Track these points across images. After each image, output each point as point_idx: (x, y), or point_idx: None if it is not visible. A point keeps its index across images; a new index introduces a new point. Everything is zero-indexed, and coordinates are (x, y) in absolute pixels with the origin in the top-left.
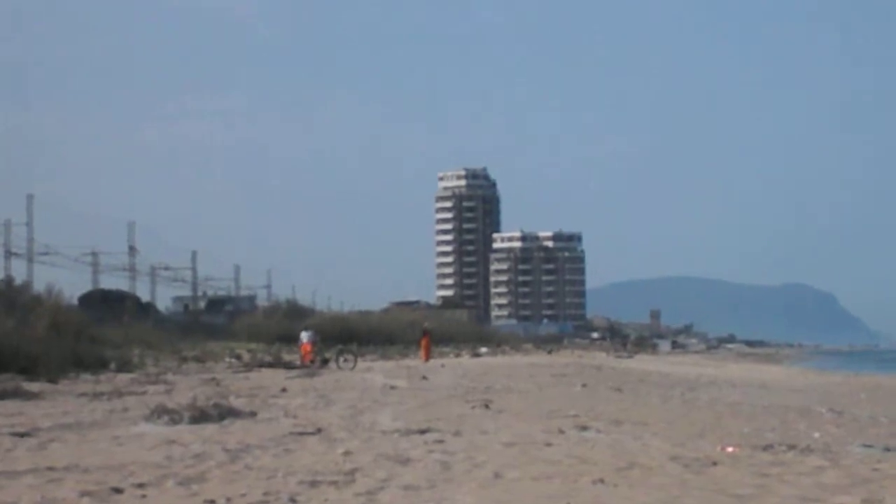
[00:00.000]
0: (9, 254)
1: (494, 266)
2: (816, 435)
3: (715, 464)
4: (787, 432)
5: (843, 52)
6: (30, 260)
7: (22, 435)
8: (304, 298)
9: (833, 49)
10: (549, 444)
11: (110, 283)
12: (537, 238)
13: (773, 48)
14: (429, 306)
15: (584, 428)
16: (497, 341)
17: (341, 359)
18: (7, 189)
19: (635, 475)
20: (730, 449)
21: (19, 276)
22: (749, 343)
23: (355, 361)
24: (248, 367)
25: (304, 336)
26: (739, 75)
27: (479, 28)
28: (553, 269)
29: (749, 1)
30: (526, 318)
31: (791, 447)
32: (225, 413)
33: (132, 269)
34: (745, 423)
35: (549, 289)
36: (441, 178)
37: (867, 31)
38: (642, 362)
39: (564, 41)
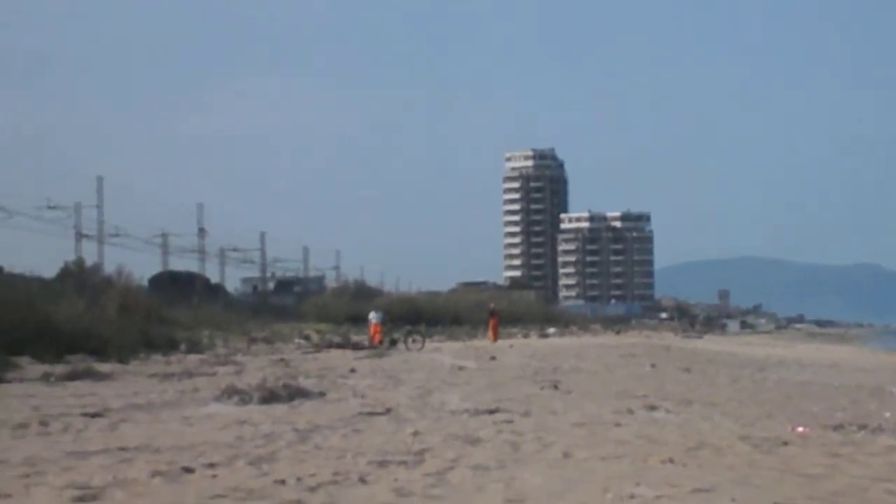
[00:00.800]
0: (80, 235)
1: (562, 246)
2: (887, 415)
3: (785, 444)
4: (857, 412)
5: None
6: (100, 242)
7: (93, 415)
8: (372, 279)
9: None
10: (618, 425)
11: (180, 264)
12: (605, 218)
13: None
14: (496, 287)
15: (653, 408)
16: (565, 322)
17: (409, 339)
18: (78, 172)
19: (705, 455)
20: (800, 429)
21: (90, 257)
22: (818, 323)
23: (423, 342)
24: (317, 347)
25: (373, 317)
26: (810, 48)
27: (547, 5)
28: (621, 249)
29: None
30: (594, 299)
31: (862, 427)
32: (294, 393)
33: (201, 251)
34: (814, 403)
35: (617, 269)
36: (508, 159)
37: None
38: (711, 342)
39: (631, 19)
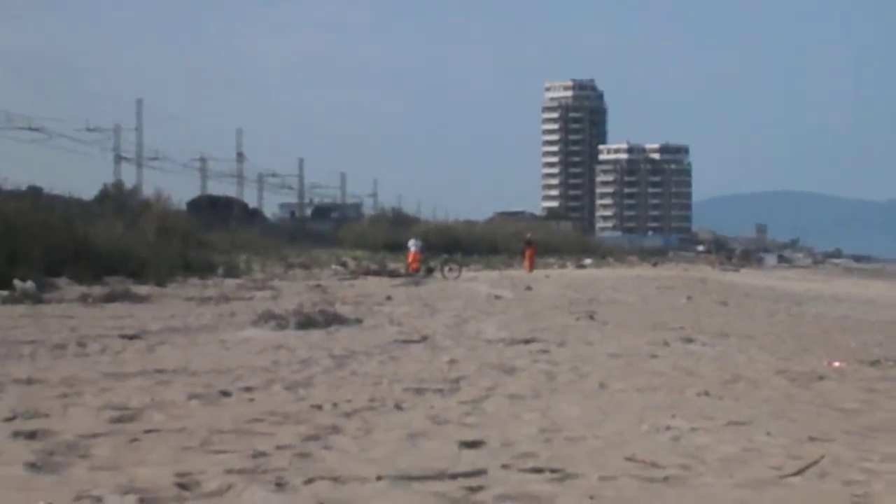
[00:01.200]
0: (119, 158)
1: (600, 178)
2: None
3: (821, 378)
4: (894, 347)
5: None
6: (139, 165)
7: (131, 337)
8: (409, 207)
9: None
10: (654, 356)
11: (218, 188)
12: (644, 150)
13: None
14: (533, 217)
15: (690, 340)
16: (602, 253)
17: (446, 268)
18: (117, 95)
19: (741, 388)
20: (836, 363)
21: (129, 180)
22: (856, 258)
23: (460, 271)
24: (354, 274)
25: (413, 244)
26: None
27: None
28: (659, 181)
29: None
30: (631, 231)
31: None
32: (331, 319)
33: (240, 176)
34: (851, 337)
35: (655, 201)
36: (548, 89)
37: None
38: (748, 276)
39: None
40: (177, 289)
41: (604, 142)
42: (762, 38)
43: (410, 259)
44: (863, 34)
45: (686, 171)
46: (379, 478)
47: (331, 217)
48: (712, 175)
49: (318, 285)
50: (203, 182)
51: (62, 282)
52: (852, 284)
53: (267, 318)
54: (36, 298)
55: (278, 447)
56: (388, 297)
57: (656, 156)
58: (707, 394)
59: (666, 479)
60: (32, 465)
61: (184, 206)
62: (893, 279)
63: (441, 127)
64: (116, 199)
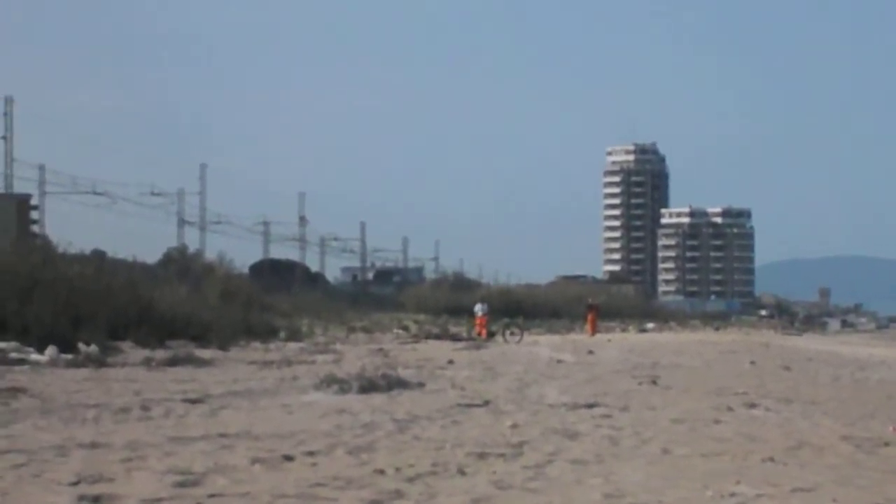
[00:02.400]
0: (182, 222)
1: (662, 241)
2: None
3: (887, 444)
4: None
5: None
6: (202, 228)
7: (194, 401)
8: (471, 271)
9: None
10: (717, 422)
11: (280, 252)
12: (706, 214)
13: None
14: (595, 281)
15: (753, 405)
16: (664, 317)
17: (508, 332)
18: (182, 159)
19: (805, 454)
20: None
21: (192, 244)
22: None
23: (521, 335)
24: (416, 338)
25: (479, 309)
26: None
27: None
28: (721, 245)
29: None
30: (693, 295)
31: None
32: (393, 383)
33: (302, 239)
34: None
35: (717, 265)
36: (609, 153)
37: None
38: (811, 340)
39: (735, 13)
40: (239, 352)
41: (666, 205)
42: (824, 102)
43: (478, 323)
44: None
45: (748, 235)
46: None
47: (392, 281)
48: (775, 239)
49: (380, 349)
50: (265, 246)
51: (126, 345)
52: None
53: (329, 381)
54: (100, 362)
55: None
56: (450, 361)
57: (718, 220)
58: (772, 460)
59: None
60: None
61: (246, 270)
62: None
63: (503, 190)
64: (180, 263)
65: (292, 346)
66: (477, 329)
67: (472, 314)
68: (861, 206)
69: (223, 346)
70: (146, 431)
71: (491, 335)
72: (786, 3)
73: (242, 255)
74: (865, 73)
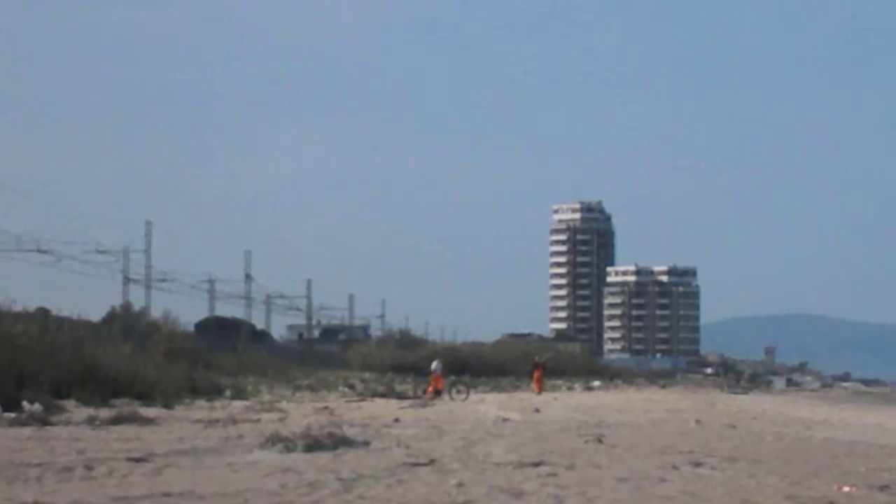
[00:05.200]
0: (127, 280)
1: (608, 299)
2: None
3: (832, 503)
4: None
5: None
6: (148, 286)
7: (138, 460)
8: (417, 329)
9: None
10: (663, 480)
11: (226, 310)
12: (651, 272)
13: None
14: (542, 339)
15: (699, 464)
16: (610, 375)
17: (454, 390)
18: (126, 216)
19: None
20: (846, 489)
21: (137, 302)
22: (865, 382)
23: (468, 393)
24: (362, 396)
25: (436, 367)
26: (856, 111)
27: (591, 59)
28: (667, 303)
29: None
30: (639, 352)
31: None
32: (339, 442)
33: (248, 297)
34: (861, 462)
35: (663, 323)
36: (555, 211)
37: None
38: (756, 399)
39: (679, 72)
40: (184, 411)
41: (612, 264)
42: (769, 162)
43: (435, 381)
44: (870, 161)
45: (694, 294)
46: None
47: (338, 338)
48: (720, 297)
49: (326, 407)
50: (211, 303)
51: (70, 404)
52: (861, 409)
53: (275, 440)
54: (43, 421)
55: None
56: (396, 420)
57: (664, 278)
58: None
59: None
60: None
61: (192, 328)
62: None
63: (449, 248)
64: (124, 321)
65: (238, 404)
66: (431, 386)
67: (424, 374)
68: (807, 265)
69: (168, 405)
70: (89, 491)
71: (437, 393)
72: (735, 63)
73: (188, 312)
74: (811, 134)
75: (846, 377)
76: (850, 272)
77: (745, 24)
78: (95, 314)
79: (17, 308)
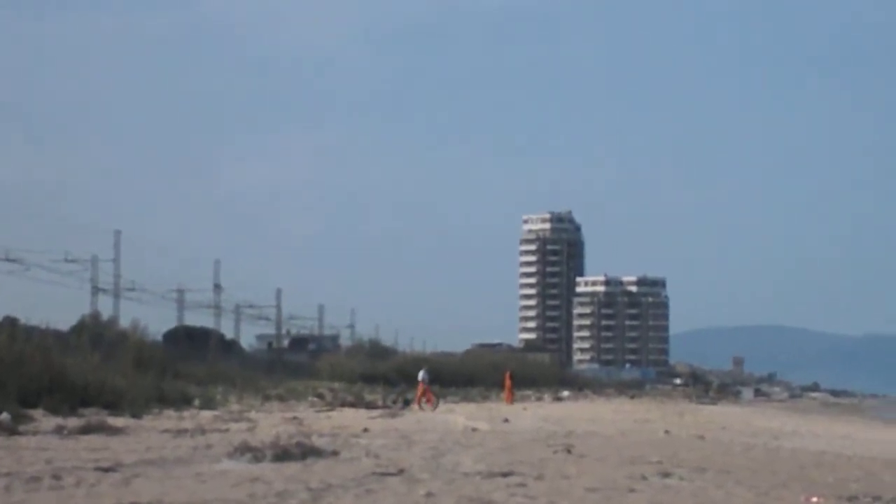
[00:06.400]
0: (96, 289)
1: (578, 310)
2: None
3: None
4: (871, 484)
5: None
6: (116, 296)
7: (106, 470)
8: (386, 338)
9: None
10: (631, 490)
11: (195, 319)
12: (621, 283)
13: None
14: (511, 349)
15: (667, 475)
16: (579, 385)
17: (423, 400)
18: (95, 226)
19: None
20: (814, 499)
21: (105, 311)
22: (833, 392)
23: (437, 403)
24: (331, 406)
25: (422, 375)
26: (825, 124)
27: (565, 67)
28: (636, 314)
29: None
30: (608, 363)
31: (876, 499)
32: (307, 452)
33: (217, 307)
34: (828, 473)
35: (633, 334)
36: (526, 221)
37: None
38: (725, 409)
39: (649, 81)
40: (153, 420)
41: (581, 274)
42: (740, 173)
43: (420, 390)
44: (842, 177)
45: (663, 304)
46: None
47: (308, 348)
48: (690, 308)
49: (295, 417)
50: (180, 313)
51: (38, 413)
52: (830, 419)
53: (243, 450)
54: (11, 430)
55: None
56: (365, 429)
57: (634, 288)
58: None
59: None
60: None
61: (160, 338)
62: (870, 414)
63: (419, 258)
64: (93, 331)
65: (206, 414)
66: (419, 395)
67: (394, 383)
68: (776, 276)
69: (136, 414)
70: (58, 501)
71: (406, 403)
72: (705, 71)
73: (156, 322)
74: (778, 143)
75: (815, 388)
76: (819, 284)
77: (713, 33)
78: (64, 324)
79: None
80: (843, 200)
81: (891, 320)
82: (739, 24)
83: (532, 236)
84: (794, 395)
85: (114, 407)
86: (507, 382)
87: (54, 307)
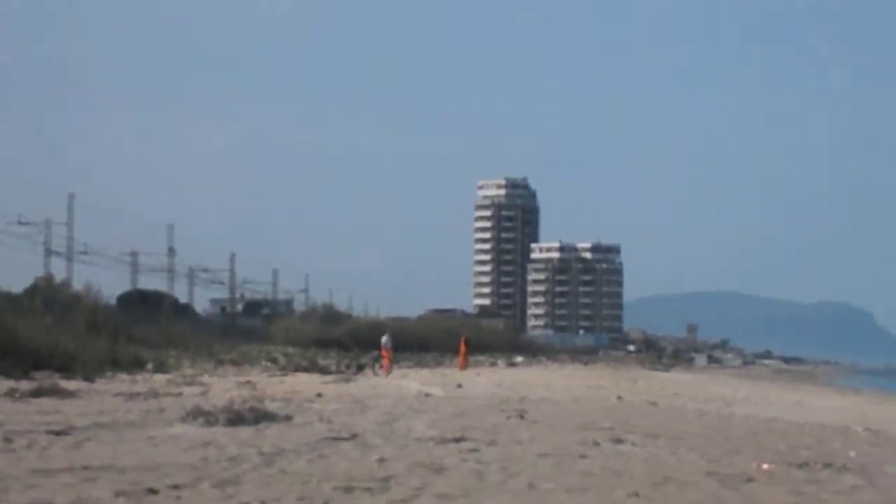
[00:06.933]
0: (49, 252)
1: (532, 276)
2: (852, 454)
3: (750, 480)
4: (822, 450)
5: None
6: (69, 259)
7: (58, 433)
8: (341, 303)
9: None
10: (583, 457)
11: (149, 283)
12: (575, 249)
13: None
14: (465, 314)
15: (620, 441)
16: (533, 351)
17: (377, 365)
18: (48, 188)
19: (670, 490)
20: (765, 466)
21: (59, 274)
22: (785, 359)
23: (391, 369)
24: (285, 370)
25: (385, 340)
26: (778, 97)
27: (521, 34)
28: (591, 280)
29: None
30: (562, 329)
31: (827, 465)
32: (260, 416)
33: (171, 271)
34: (780, 440)
35: (586, 300)
36: (481, 187)
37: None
38: (678, 376)
39: (604, 58)
40: (105, 384)
41: (536, 240)
42: (692, 141)
43: (384, 356)
44: (799, 140)
45: (617, 271)
46: None
47: (262, 313)
48: (644, 274)
49: (248, 381)
50: (133, 277)
51: None
52: (782, 386)
53: (196, 414)
54: None
55: None
56: (319, 394)
57: (588, 255)
58: (636, 495)
59: None
60: None
61: (114, 301)
62: (822, 380)
63: (373, 222)
64: (46, 294)
65: (159, 377)
66: (384, 361)
67: (349, 348)
68: (729, 243)
69: (89, 378)
70: (8, 464)
71: (360, 368)
72: (654, 42)
73: (110, 285)
74: (733, 111)
75: (767, 355)
76: (771, 251)
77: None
78: (17, 286)
79: None
80: (795, 169)
81: (843, 288)
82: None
83: (487, 202)
84: (746, 361)
85: (66, 370)
86: (462, 348)
87: (7, 270)
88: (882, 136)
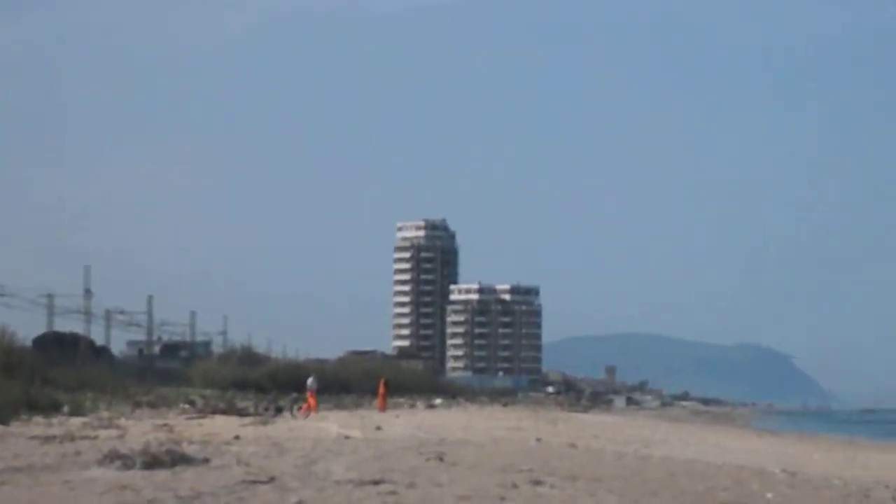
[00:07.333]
0: None
1: (451, 318)
2: (769, 496)
3: None
4: (740, 492)
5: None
6: None
7: None
8: (259, 345)
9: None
10: (502, 499)
11: (65, 325)
12: (495, 291)
13: (732, 110)
14: (385, 356)
15: (539, 483)
16: (452, 393)
17: (295, 407)
18: None
19: None
20: None
21: None
22: (704, 401)
23: (308, 413)
24: (202, 413)
25: (311, 382)
26: (700, 140)
27: (438, 76)
28: (510, 322)
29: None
30: (481, 371)
31: None
32: (178, 459)
33: (87, 312)
34: (698, 481)
35: (506, 342)
36: (400, 229)
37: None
38: (597, 418)
39: (528, 93)
40: (21, 427)
41: (455, 282)
42: (611, 182)
43: (309, 397)
44: (717, 182)
45: (537, 313)
46: None
47: (180, 355)
48: (563, 316)
49: (166, 424)
50: (49, 319)
51: None
52: (700, 428)
53: (113, 457)
54: None
55: None
56: (237, 437)
57: (507, 297)
58: None
59: None
60: None
61: (29, 343)
62: (740, 422)
63: (291, 264)
64: None
65: (76, 420)
66: (308, 403)
67: (266, 390)
68: (649, 286)
69: (3, 421)
70: None
71: (279, 410)
72: (574, 79)
73: (25, 327)
74: (649, 152)
75: (685, 396)
76: (689, 293)
77: (589, 33)
78: None
79: None
80: (714, 211)
81: (763, 331)
82: (610, 24)
83: (406, 244)
84: (665, 403)
85: None
86: (381, 390)
87: None
88: (795, 181)
